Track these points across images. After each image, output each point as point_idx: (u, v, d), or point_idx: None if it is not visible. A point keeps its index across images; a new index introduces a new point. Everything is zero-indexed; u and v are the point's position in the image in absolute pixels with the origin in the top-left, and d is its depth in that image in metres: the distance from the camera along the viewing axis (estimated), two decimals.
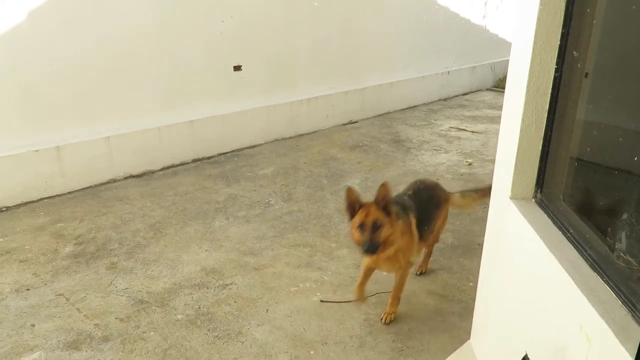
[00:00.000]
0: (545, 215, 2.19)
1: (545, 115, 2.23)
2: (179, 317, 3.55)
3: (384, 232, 3.04)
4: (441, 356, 3.14)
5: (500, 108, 7.63)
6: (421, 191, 3.76)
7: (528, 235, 2.08)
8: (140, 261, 4.24)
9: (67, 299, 3.72)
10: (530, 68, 2.17)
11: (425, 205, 3.67)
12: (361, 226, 3.04)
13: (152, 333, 3.37)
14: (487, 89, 11.73)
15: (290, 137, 7.86)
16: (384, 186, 3.07)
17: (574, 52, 2.11)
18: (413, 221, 3.42)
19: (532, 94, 2.20)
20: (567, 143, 2.26)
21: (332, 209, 5.33)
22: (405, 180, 6.08)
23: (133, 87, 6.15)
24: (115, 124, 6.05)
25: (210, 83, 6.93)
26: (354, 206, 3.11)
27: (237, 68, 7.15)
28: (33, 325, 3.44)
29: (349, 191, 3.10)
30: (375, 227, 3.02)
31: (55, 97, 5.54)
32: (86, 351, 3.21)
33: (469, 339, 3.15)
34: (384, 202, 3.07)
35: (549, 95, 2.20)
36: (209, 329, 3.41)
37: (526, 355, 1.77)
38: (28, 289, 3.84)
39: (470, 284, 3.95)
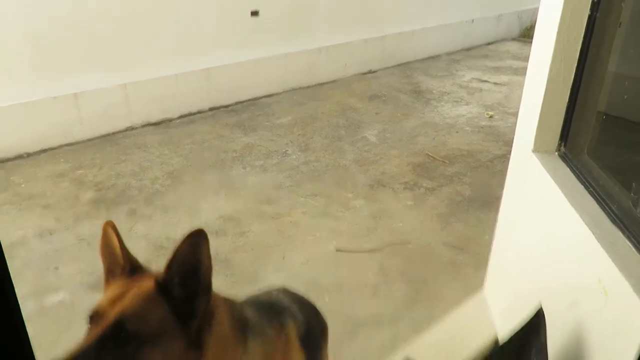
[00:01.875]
0: (568, 169, 2.14)
1: (575, 65, 2.14)
2: None
3: (157, 357, 1.23)
4: (454, 305, 3.17)
5: (525, 59, 7.41)
6: (305, 307, 1.97)
7: (549, 188, 2.05)
8: (159, 208, 4.31)
9: (89, 244, 3.81)
10: (562, 15, 2.07)
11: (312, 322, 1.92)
12: (91, 318, 1.29)
13: None
14: (513, 39, 11.35)
15: (308, 86, 7.75)
16: (194, 237, 1.31)
17: (609, 0, 2.00)
18: (292, 335, 1.68)
19: (561, 43, 2.10)
20: (595, 96, 2.18)
21: (349, 160, 5.31)
22: (424, 132, 6.02)
23: (149, 34, 6.06)
24: (131, 72, 6.01)
25: (227, 29, 6.80)
26: (111, 259, 1.43)
27: (255, 13, 6.98)
28: (57, 268, 3.54)
29: (105, 228, 1.46)
30: (120, 338, 1.20)
31: (72, 44, 5.49)
32: None
33: (482, 289, 3.17)
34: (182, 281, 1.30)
35: (580, 45, 2.11)
36: (226, 275, 3.49)
37: (540, 307, 1.78)
38: (51, 233, 3.94)
39: (486, 236, 3.95)
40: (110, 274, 1.40)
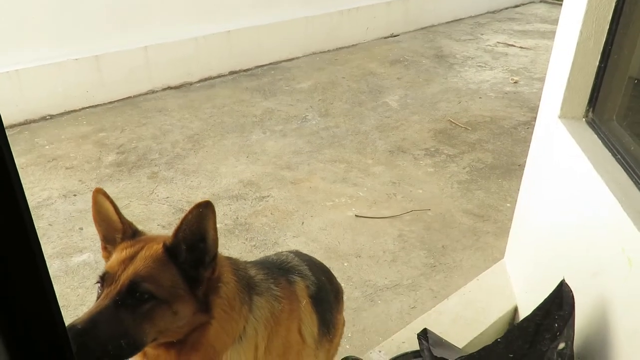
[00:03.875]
0: (595, 136, 2.08)
1: (607, 27, 2.05)
2: (218, 226, 3.66)
3: (168, 322, 1.29)
4: (473, 273, 3.17)
5: (553, 22, 7.16)
6: (321, 272, 1.97)
7: (576, 155, 2.00)
8: (180, 171, 4.34)
9: None
10: None
11: (323, 284, 1.87)
12: (102, 280, 1.31)
13: None
14: (541, 1, 10.95)
15: (328, 51, 7.63)
16: (201, 207, 1.32)
17: None
18: (303, 295, 1.67)
19: (594, 3, 2.01)
20: (627, 60, 2.10)
21: (370, 126, 5.25)
22: (446, 97, 5.91)
23: None
24: (152, 34, 5.97)
25: None
26: (106, 225, 1.44)
27: None
28: (81, 229, 3.62)
29: (96, 196, 1.41)
30: (134, 298, 1.26)
31: (93, 7, 5.47)
32: None
33: (502, 258, 3.16)
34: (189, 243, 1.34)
35: (613, 6, 2.02)
36: (246, 239, 3.52)
37: (563, 280, 1.76)
38: (75, 195, 4.02)
39: (508, 204, 3.91)
40: (106, 240, 1.45)
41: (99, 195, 1.40)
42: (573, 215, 2.07)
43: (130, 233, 1.42)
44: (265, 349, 1.48)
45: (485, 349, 1.71)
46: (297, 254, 1.96)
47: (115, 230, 1.42)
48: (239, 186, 4.15)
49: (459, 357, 1.82)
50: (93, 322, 1.20)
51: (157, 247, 1.34)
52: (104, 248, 1.45)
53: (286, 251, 1.97)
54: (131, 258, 1.31)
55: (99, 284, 1.32)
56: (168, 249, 1.33)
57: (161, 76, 6.10)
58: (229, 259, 1.54)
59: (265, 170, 4.40)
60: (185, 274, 1.33)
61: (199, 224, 1.33)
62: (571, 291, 1.71)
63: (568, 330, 1.62)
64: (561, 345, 1.59)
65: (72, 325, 1.17)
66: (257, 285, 1.53)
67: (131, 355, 1.27)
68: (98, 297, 1.29)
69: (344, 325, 2.20)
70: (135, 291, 1.25)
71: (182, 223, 1.33)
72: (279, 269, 1.71)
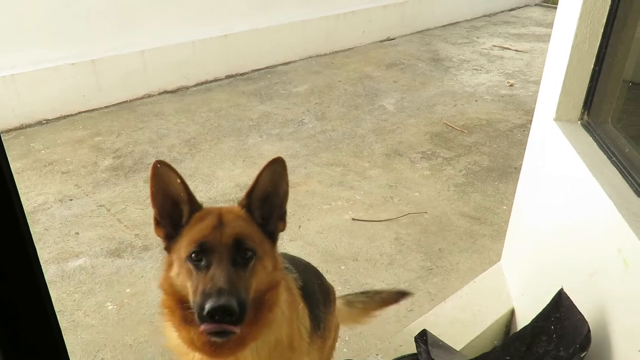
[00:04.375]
0: (591, 138, 2.09)
1: (601, 31, 2.06)
2: None
3: (263, 277, 1.35)
4: (470, 276, 3.17)
5: (548, 25, 7.20)
6: (307, 270, 1.99)
7: (571, 158, 2.00)
8: None
9: (108, 210, 3.87)
10: None
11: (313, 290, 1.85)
12: (202, 250, 1.30)
13: None
14: (536, 4, 11.01)
15: (325, 54, 7.65)
16: (275, 164, 1.43)
17: None
18: (293, 285, 1.66)
19: (588, 7, 2.02)
20: (621, 63, 2.11)
21: (366, 129, 5.26)
22: (442, 101, 5.93)
23: (167, 0, 6.01)
24: (149, 38, 5.97)
25: None
26: (172, 200, 1.41)
27: None
28: (77, 234, 3.61)
29: (159, 168, 1.37)
30: (242, 257, 1.31)
31: (90, 10, 5.47)
32: (127, 259, 3.37)
33: (499, 260, 3.16)
34: (264, 207, 1.44)
35: (607, 9, 2.03)
36: None
37: (562, 289, 1.76)
38: (71, 199, 4.01)
39: (504, 207, 3.92)
40: (161, 215, 1.42)
41: (162, 167, 1.36)
42: (569, 218, 2.08)
43: (199, 204, 1.43)
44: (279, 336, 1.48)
45: (483, 355, 1.71)
46: (282, 254, 1.96)
47: (179, 202, 1.41)
48: (236, 190, 4.15)
49: None
50: (232, 281, 1.24)
51: (237, 209, 1.41)
52: (157, 223, 1.43)
53: None
54: (220, 224, 1.34)
55: (193, 256, 1.30)
56: (246, 208, 1.41)
57: (158, 80, 6.10)
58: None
59: None
60: (263, 230, 1.41)
61: (272, 181, 1.41)
62: (569, 299, 1.71)
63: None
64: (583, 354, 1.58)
65: (219, 288, 1.21)
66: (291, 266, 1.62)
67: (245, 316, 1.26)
68: (199, 269, 1.29)
69: (338, 328, 2.18)
70: (241, 249, 1.30)
71: (256, 181, 1.41)
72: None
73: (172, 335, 1.42)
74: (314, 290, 1.87)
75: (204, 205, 1.45)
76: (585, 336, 1.56)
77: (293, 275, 1.70)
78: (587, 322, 1.61)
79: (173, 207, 1.41)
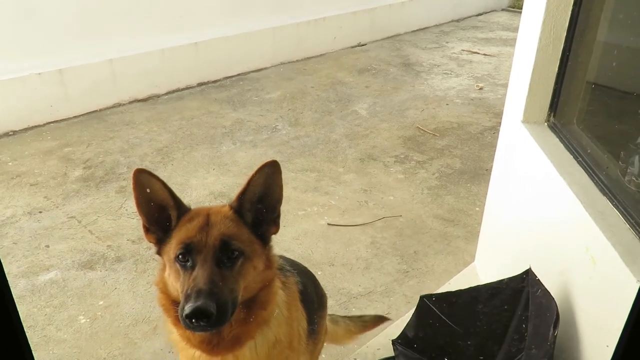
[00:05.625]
0: (557, 139, 2.15)
1: (564, 34, 2.12)
2: None
3: (253, 277, 1.39)
4: (445, 278, 3.21)
5: (515, 30, 7.35)
6: (304, 274, 1.95)
7: (538, 159, 2.05)
8: None
9: (79, 222, 3.79)
10: None
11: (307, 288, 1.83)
12: (187, 250, 1.33)
13: None
14: (503, 9, 11.25)
15: (297, 61, 7.66)
16: (268, 167, 1.43)
17: None
18: (294, 288, 1.68)
19: (551, 11, 2.08)
20: (584, 65, 2.18)
21: (340, 134, 5.28)
22: (414, 105, 6.00)
23: (134, 7, 5.94)
24: (117, 47, 5.89)
25: (215, 2, 6.67)
26: (158, 206, 1.43)
27: None
28: (47, 246, 3.53)
29: (140, 176, 1.39)
30: (228, 257, 1.34)
31: (56, 19, 5.37)
32: (100, 271, 3.31)
33: (473, 261, 3.21)
34: (254, 207, 1.45)
35: (569, 13, 2.09)
36: None
37: (530, 268, 1.81)
38: (40, 212, 3.91)
39: (477, 208, 3.98)
40: (149, 221, 1.43)
41: (143, 174, 1.37)
42: (539, 217, 2.12)
43: (186, 206, 1.45)
44: (277, 337, 1.50)
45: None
46: (281, 257, 1.94)
47: (165, 207, 1.42)
48: (210, 198, 4.11)
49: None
50: (212, 282, 1.24)
51: (225, 210, 1.41)
52: (147, 230, 1.45)
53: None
54: (206, 224, 1.36)
55: (180, 257, 1.33)
56: (235, 210, 1.41)
57: (128, 89, 6.02)
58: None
59: (236, 181, 4.38)
60: (254, 231, 1.42)
61: (265, 183, 1.41)
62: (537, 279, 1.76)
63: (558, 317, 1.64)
64: (556, 332, 1.61)
65: (199, 289, 1.22)
66: (283, 268, 1.61)
67: (232, 316, 1.29)
68: (185, 270, 1.31)
69: (326, 333, 2.20)
70: (227, 250, 1.32)
71: (248, 183, 1.40)
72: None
73: (172, 329, 1.45)
74: (311, 294, 1.88)
75: (193, 207, 1.46)
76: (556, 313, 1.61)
77: (294, 277, 1.70)
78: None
79: (160, 212, 1.42)
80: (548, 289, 1.72)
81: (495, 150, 2.84)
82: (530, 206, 2.23)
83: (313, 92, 6.42)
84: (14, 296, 0.66)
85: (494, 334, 1.88)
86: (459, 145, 5.09)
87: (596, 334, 1.55)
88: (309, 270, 2.12)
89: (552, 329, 1.58)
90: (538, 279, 1.76)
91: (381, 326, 2.69)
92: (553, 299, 1.66)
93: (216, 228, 1.34)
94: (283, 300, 1.53)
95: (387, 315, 2.59)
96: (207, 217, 1.38)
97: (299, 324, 1.65)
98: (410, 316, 2.16)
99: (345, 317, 2.41)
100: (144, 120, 5.56)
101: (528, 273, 1.83)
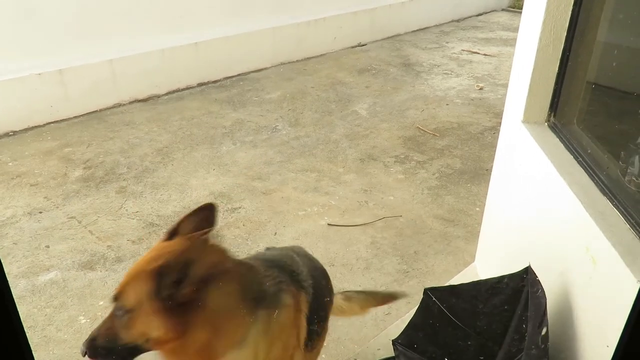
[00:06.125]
0: (558, 139, 2.15)
1: (564, 34, 2.12)
2: None
3: (139, 329, 1.40)
4: (445, 278, 3.21)
5: (515, 30, 7.37)
6: (316, 270, 1.99)
7: (539, 159, 2.05)
8: (149, 185, 4.28)
9: (79, 222, 3.79)
10: None
11: (320, 292, 1.87)
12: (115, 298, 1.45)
13: None
14: (503, 9, 11.25)
15: (297, 61, 7.66)
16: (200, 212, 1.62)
17: None
18: (304, 305, 1.70)
19: (551, 11, 2.08)
20: (584, 65, 2.18)
21: (340, 134, 5.29)
22: (414, 105, 6.00)
23: (134, 7, 5.94)
24: (117, 47, 5.89)
25: (215, 2, 6.67)
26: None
27: None
28: (47, 247, 3.53)
29: None
30: (120, 309, 1.43)
31: (56, 19, 5.37)
32: (100, 271, 3.31)
33: (473, 261, 3.21)
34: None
35: (570, 13, 2.09)
36: None
37: (529, 266, 1.81)
38: (40, 212, 3.91)
39: (477, 208, 3.98)
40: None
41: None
42: (539, 217, 2.12)
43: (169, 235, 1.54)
44: (266, 356, 1.52)
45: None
46: (300, 253, 1.96)
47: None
48: (210, 198, 4.11)
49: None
50: (93, 335, 1.45)
51: (145, 268, 1.42)
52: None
53: (290, 248, 2.00)
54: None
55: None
56: (153, 271, 1.39)
57: (128, 89, 6.02)
58: (244, 264, 1.62)
59: (237, 181, 4.38)
60: (165, 293, 1.36)
61: (188, 259, 1.38)
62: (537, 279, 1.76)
63: (545, 316, 1.64)
64: (544, 331, 1.62)
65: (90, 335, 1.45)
66: (265, 298, 1.55)
67: (136, 355, 1.43)
68: None
69: (326, 332, 2.17)
70: (118, 307, 1.42)
71: (169, 261, 1.38)
72: (290, 276, 1.70)
73: None
74: (321, 304, 1.86)
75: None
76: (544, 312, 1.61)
77: (307, 296, 1.71)
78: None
79: None
80: (544, 288, 1.72)
81: (495, 151, 2.84)
82: (530, 206, 2.23)
83: (313, 92, 6.42)
84: (14, 296, 0.66)
85: (494, 333, 1.88)
86: (459, 145, 5.09)
87: (596, 334, 1.55)
88: (323, 270, 2.10)
89: (539, 328, 1.58)
90: (537, 279, 1.76)
91: (381, 326, 2.69)
92: (544, 297, 1.66)
93: (121, 283, 1.49)
94: (269, 328, 1.53)
95: (387, 315, 2.59)
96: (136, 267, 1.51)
97: (300, 335, 1.66)
98: (411, 316, 2.16)
99: (359, 292, 2.44)
100: (144, 121, 5.56)
101: (528, 271, 1.83)
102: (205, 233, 1.50)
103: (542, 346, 1.55)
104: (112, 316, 1.44)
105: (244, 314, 1.48)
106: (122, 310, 1.41)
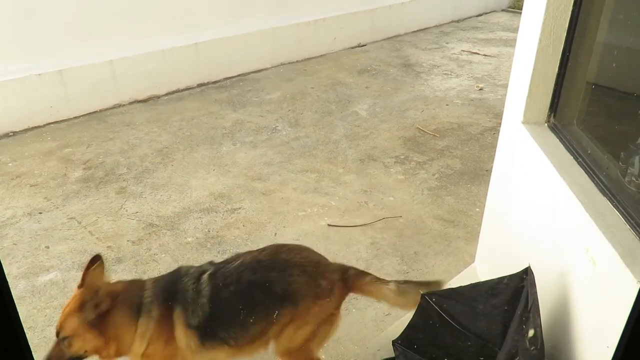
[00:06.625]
0: (557, 140, 2.15)
1: (564, 35, 2.12)
2: (189, 239, 3.62)
3: (78, 347, 1.99)
4: (445, 278, 3.20)
5: (515, 30, 7.37)
6: (263, 263, 2.18)
7: (539, 159, 2.05)
8: (149, 186, 4.28)
9: (79, 222, 3.79)
10: None
11: (245, 291, 2.11)
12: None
13: (163, 255, 3.46)
14: (503, 10, 11.25)
15: (297, 61, 7.67)
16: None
17: None
18: (179, 322, 2.06)
19: (551, 12, 2.08)
20: (584, 66, 2.18)
21: (340, 135, 5.29)
22: (414, 105, 6.01)
23: (134, 8, 5.94)
24: (117, 48, 5.89)
25: (215, 3, 6.67)
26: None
27: None
28: (47, 247, 3.53)
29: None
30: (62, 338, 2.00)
31: (56, 19, 5.37)
32: None
33: (473, 262, 3.21)
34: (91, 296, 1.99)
35: (570, 14, 2.09)
36: (218, 252, 3.49)
37: (529, 267, 1.81)
38: (40, 213, 3.91)
39: (477, 209, 3.98)
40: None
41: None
42: (539, 218, 2.12)
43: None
44: (144, 354, 2.04)
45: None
46: (239, 258, 2.27)
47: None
48: (210, 199, 4.12)
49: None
50: (47, 357, 2.00)
51: (72, 308, 1.98)
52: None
53: (208, 263, 2.33)
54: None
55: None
56: (78, 307, 1.98)
57: (128, 90, 6.02)
58: (133, 284, 2.15)
59: (236, 182, 4.38)
60: (90, 316, 1.96)
61: (95, 289, 2.00)
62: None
63: (534, 317, 1.65)
64: (531, 332, 1.62)
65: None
66: (143, 308, 2.04)
67: None
68: None
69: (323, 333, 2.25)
70: (61, 337, 1.98)
71: (86, 293, 1.99)
72: (171, 295, 2.10)
73: None
74: (254, 307, 2.12)
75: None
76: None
77: (187, 312, 2.07)
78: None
79: None
80: (545, 289, 1.72)
81: (495, 151, 2.84)
82: (530, 207, 2.23)
83: (313, 93, 6.42)
84: (14, 297, 0.66)
85: (494, 334, 1.88)
86: (459, 145, 5.09)
87: (596, 335, 1.55)
88: (311, 264, 2.21)
89: (525, 328, 1.58)
90: (533, 281, 1.76)
91: (381, 327, 2.69)
92: (535, 297, 1.67)
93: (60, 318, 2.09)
94: (146, 333, 2.05)
95: (387, 316, 2.59)
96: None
97: (181, 340, 2.07)
98: (411, 317, 2.16)
99: (408, 284, 2.32)
100: (144, 121, 5.56)
101: (527, 272, 1.82)
102: (95, 268, 1.99)
103: (532, 349, 1.55)
104: (58, 343, 1.98)
105: (131, 324, 2.02)
106: (65, 339, 1.96)
